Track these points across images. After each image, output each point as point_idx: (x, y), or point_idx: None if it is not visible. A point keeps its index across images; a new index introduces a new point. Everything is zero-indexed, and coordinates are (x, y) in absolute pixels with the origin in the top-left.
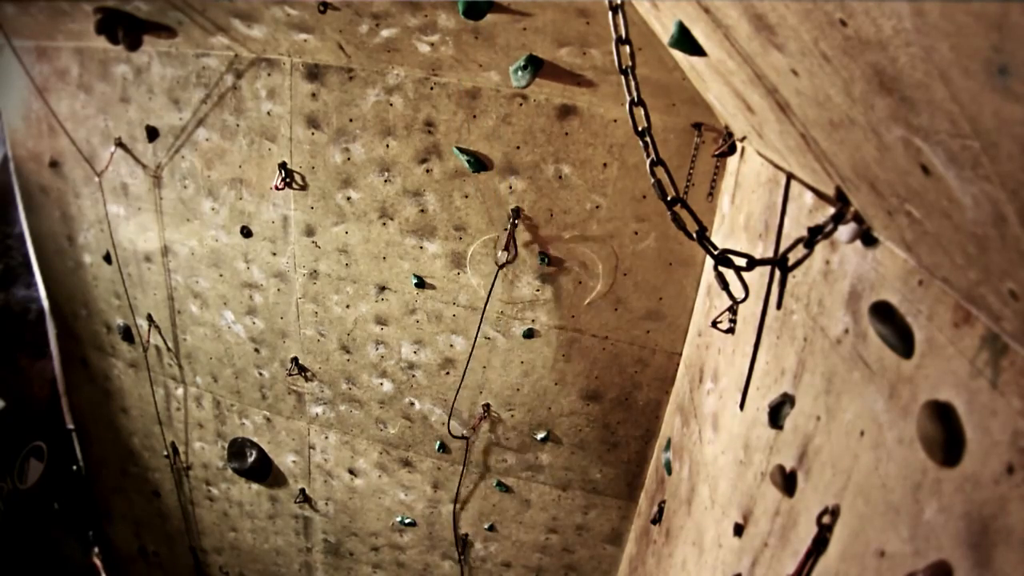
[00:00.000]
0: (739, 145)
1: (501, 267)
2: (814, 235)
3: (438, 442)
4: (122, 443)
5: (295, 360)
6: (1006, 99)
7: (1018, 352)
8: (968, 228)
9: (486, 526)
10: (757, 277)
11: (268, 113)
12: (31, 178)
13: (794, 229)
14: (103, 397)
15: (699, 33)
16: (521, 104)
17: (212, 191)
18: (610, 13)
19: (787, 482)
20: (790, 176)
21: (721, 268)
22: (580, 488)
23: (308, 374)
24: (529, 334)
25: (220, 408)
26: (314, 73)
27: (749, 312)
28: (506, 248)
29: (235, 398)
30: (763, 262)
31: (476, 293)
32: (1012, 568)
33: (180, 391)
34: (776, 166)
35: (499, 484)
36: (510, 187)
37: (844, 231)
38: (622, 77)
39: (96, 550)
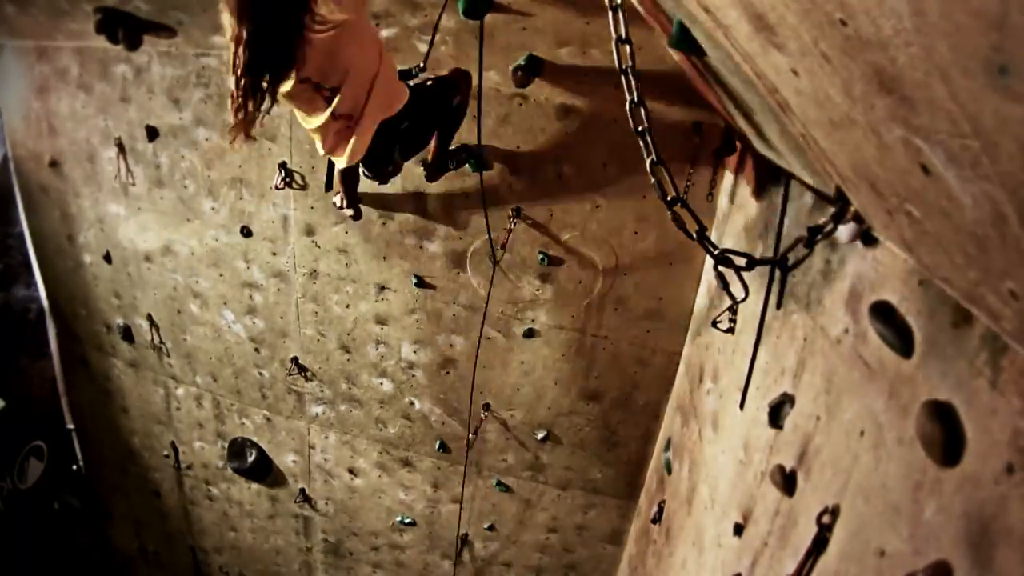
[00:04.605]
0: (739, 144)
1: (496, 263)
2: (814, 235)
3: (438, 442)
4: (122, 443)
5: (295, 360)
6: (1006, 99)
7: (1018, 352)
8: (968, 228)
9: (486, 526)
10: (757, 277)
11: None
12: (31, 178)
13: (794, 229)
14: (103, 397)
15: (699, 33)
16: (521, 104)
17: (212, 191)
18: (610, 13)
19: (787, 482)
20: (790, 176)
21: (721, 268)
22: (580, 488)
23: (308, 374)
24: (529, 334)
25: (220, 408)
26: None
27: (749, 312)
28: (503, 246)
29: (235, 398)
30: (763, 262)
31: (476, 293)
32: (1012, 568)
33: (180, 391)
34: (776, 166)
35: (499, 484)
36: (510, 187)
37: (844, 231)
38: (622, 77)
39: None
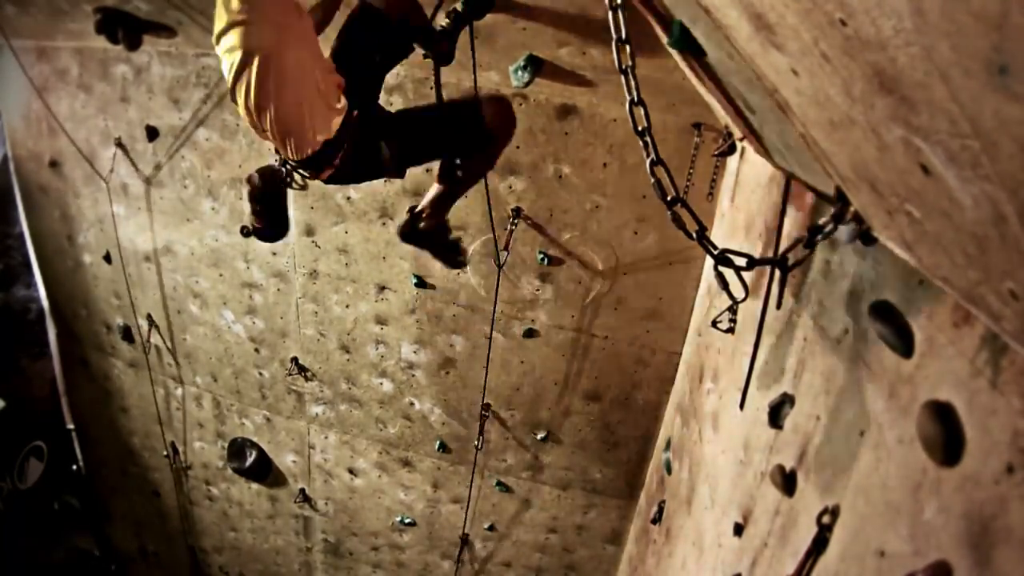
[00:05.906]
0: (739, 145)
1: (500, 267)
2: (814, 235)
3: (438, 442)
4: (122, 443)
5: (295, 360)
6: (1006, 99)
7: (1018, 352)
8: (968, 228)
9: (486, 526)
10: (757, 277)
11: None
12: (31, 178)
13: (794, 229)
14: (103, 397)
15: (699, 33)
16: (521, 104)
17: (212, 191)
18: (610, 13)
19: (787, 482)
20: (790, 176)
21: (721, 268)
22: (580, 488)
23: (308, 374)
24: (529, 334)
25: (220, 408)
26: None
27: (749, 312)
28: (506, 247)
29: (235, 398)
30: (763, 262)
31: (476, 293)
32: (1012, 568)
33: (180, 391)
34: (776, 166)
35: (499, 484)
36: (510, 187)
37: (844, 231)
38: (622, 77)
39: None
